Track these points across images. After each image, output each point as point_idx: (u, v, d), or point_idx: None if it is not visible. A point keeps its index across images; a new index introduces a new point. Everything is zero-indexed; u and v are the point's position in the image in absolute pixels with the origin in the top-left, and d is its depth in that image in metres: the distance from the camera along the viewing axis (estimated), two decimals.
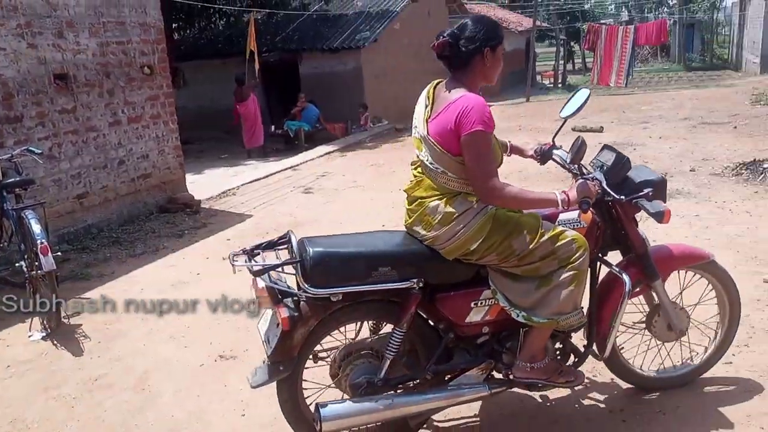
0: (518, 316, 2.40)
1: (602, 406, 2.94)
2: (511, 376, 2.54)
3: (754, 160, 7.30)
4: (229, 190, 8.53)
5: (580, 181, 2.45)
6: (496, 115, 2.31)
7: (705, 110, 12.64)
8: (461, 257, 2.38)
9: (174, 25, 15.56)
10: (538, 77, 29.41)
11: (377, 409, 2.38)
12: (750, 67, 27.23)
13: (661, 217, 2.36)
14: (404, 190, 2.55)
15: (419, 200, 2.43)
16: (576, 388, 2.82)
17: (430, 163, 2.37)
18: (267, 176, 9.44)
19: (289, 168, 10.07)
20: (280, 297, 2.33)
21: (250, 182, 9.01)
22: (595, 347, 2.71)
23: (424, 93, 2.49)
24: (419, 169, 2.47)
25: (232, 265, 2.34)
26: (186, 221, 6.92)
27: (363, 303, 2.43)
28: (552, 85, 27.50)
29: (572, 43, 37.75)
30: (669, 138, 9.89)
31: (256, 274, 2.31)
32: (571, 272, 2.36)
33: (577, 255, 2.38)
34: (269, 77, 14.70)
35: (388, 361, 2.43)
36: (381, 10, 15.97)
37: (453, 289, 2.46)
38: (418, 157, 2.46)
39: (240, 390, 3.20)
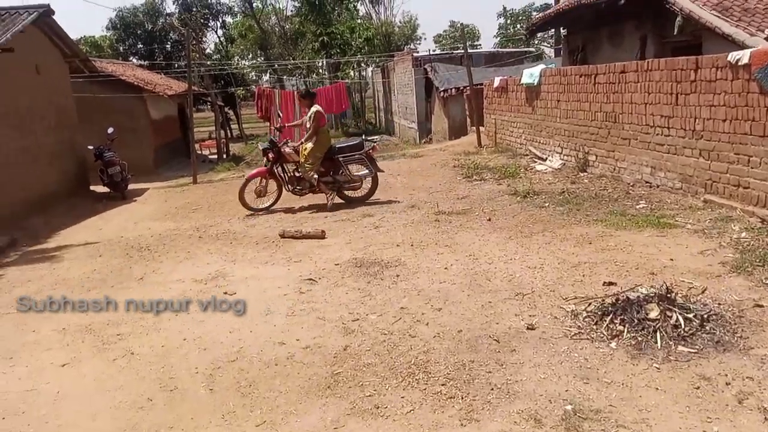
0: None
1: None
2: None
3: (617, 299, 4.55)
4: None
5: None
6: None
7: (425, 192, 10.31)
8: None
9: None
10: (197, 147, 25.43)
11: None
12: (407, 132, 27.84)
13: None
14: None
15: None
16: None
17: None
18: None
19: None
20: None
21: None
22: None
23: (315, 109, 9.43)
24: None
25: None
26: None
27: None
28: (216, 157, 23.79)
29: (227, 109, 34.95)
30: (425, 246, 6.92)
31: None
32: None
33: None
34: None
35: None
36: None
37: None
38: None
39: None
